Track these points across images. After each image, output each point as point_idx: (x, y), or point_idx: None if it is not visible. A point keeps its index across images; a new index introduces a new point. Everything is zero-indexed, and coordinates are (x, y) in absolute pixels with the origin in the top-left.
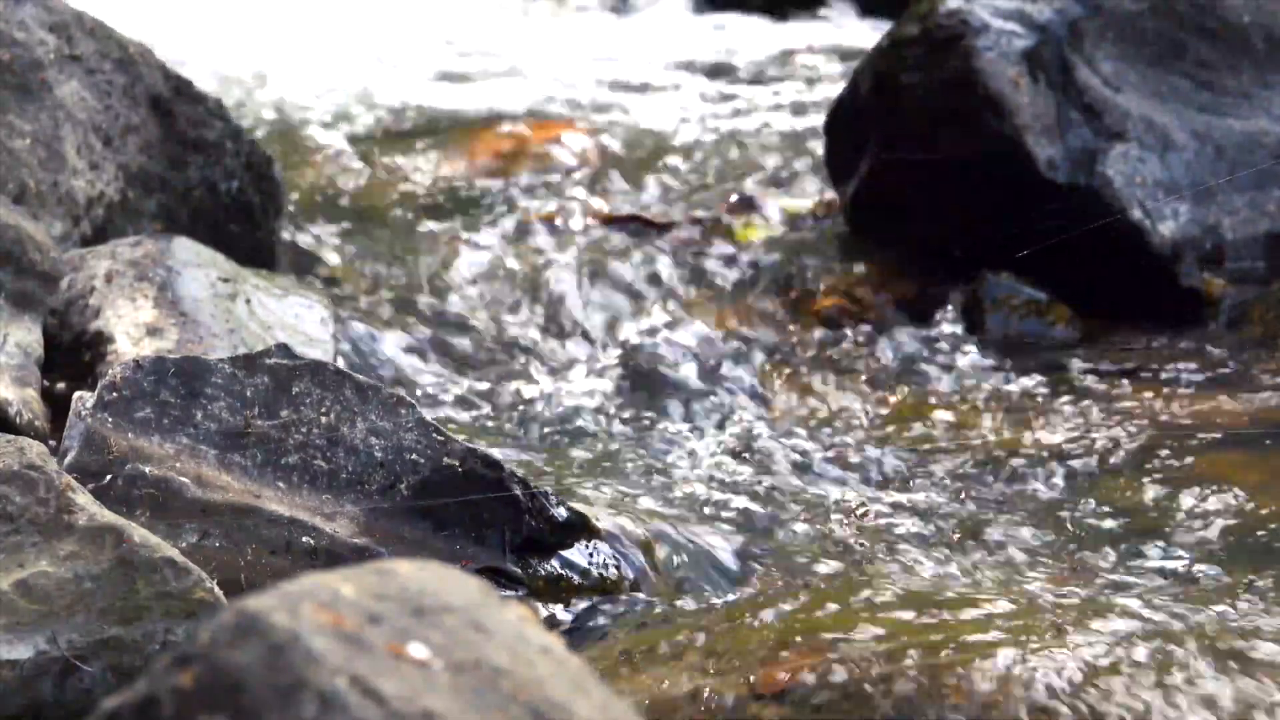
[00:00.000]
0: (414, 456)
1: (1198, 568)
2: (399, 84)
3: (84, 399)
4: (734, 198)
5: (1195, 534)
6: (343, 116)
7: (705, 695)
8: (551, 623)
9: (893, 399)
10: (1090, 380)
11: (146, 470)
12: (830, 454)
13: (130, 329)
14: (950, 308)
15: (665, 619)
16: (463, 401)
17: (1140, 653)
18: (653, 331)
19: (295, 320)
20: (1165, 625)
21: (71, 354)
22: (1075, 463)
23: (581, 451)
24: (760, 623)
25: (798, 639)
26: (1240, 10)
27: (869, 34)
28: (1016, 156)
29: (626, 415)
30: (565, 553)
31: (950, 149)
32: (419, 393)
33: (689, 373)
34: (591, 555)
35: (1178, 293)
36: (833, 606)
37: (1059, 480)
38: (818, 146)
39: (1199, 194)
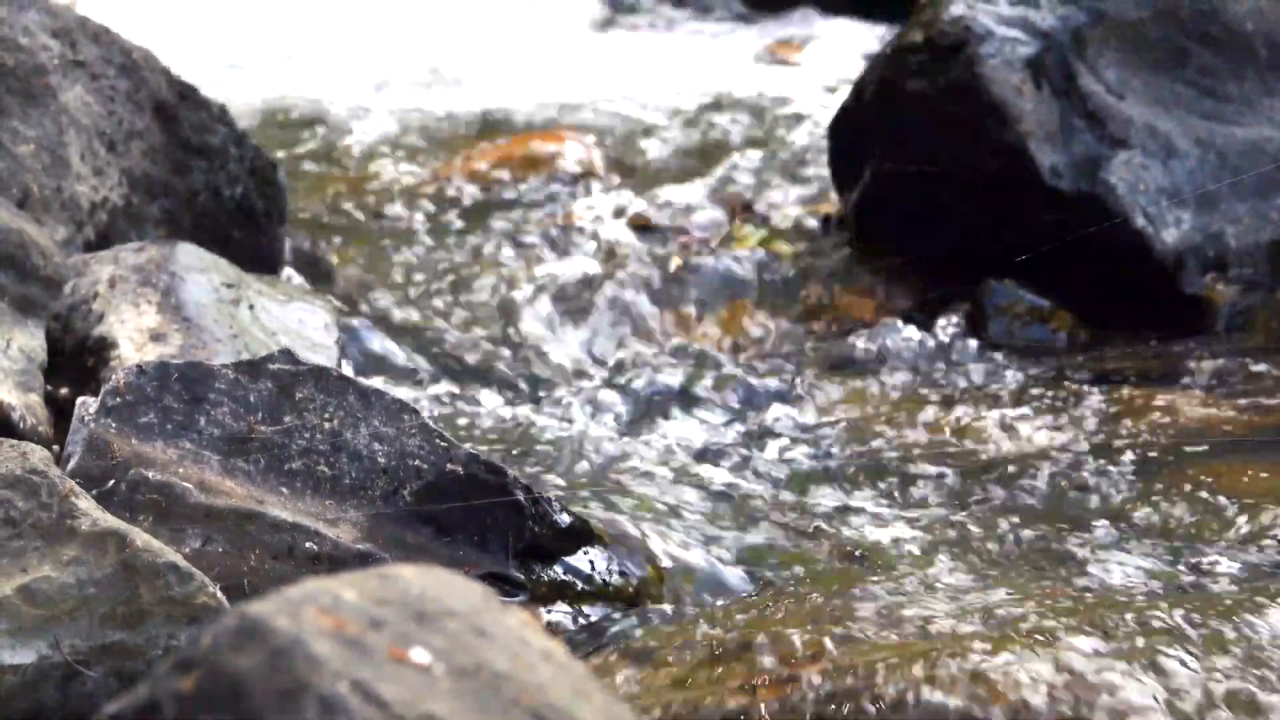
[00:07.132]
0: (417, 462)
1: (1199, 575)
2: (403, 90)
3: (87, 404)
4: (737, 204)
5: (1197, 541)
6: (347, 122)
7: (708, 700)
8: (554, 628)
9: (895, 405)
10: (1093, 387)
11: (150, 475)
12: (833, 460)
13: (134, 334)
14: (953, 314)
15: (668, 625)
16: (466, 406)
17: (1136, 656)
18: (656, 338)
19: (299, 325)
20: (1165, 628)
21: (75, 359)
22: (1077, 469)
23: (585, 457)
24: (763, 627)
25: (800, 643)
26: (1243, 18)
27: (870, 38)
28: (1020, 163)
29: (630, 421)
30: (568, 559)
31: (953, 156)
32: (422, 398)
33: (691, 379)
34: (594, 561)
35: (1181, 300)
36: (835, 611)
37: (1061, 487)
38: (821, 153)
39: (1202, 201)
